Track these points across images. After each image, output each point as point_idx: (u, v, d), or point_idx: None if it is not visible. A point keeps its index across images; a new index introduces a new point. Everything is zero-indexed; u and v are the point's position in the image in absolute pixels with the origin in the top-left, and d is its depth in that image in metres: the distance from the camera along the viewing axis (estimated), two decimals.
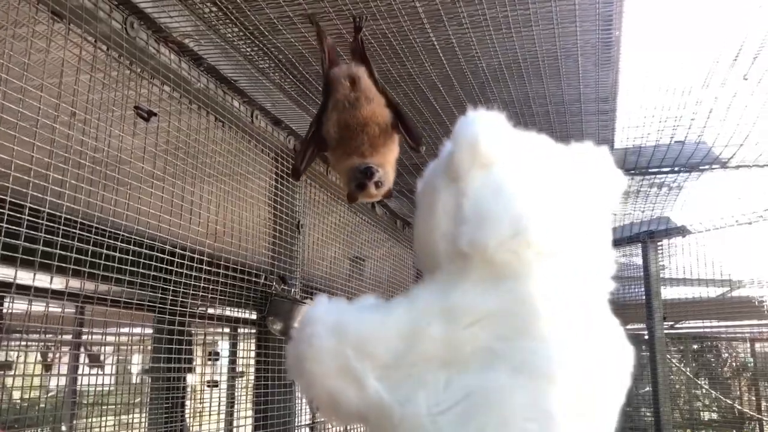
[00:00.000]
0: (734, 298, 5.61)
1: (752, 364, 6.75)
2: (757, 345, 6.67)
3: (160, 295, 2.34)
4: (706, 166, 3.82)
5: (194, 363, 3.20)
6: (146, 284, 2.22)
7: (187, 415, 3.06)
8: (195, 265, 2.42)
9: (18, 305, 2.03)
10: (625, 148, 3.57)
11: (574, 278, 1.01)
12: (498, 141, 1.04)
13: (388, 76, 2.63)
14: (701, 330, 6.54)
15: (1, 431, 2.32)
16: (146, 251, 2.18)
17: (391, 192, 1.94)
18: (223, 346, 4.00)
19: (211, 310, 2.91)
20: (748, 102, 2.96)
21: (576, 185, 1.07)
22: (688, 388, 6.35)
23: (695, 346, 6.82)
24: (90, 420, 3.24)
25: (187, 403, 3.02)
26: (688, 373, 6.32)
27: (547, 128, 3.27)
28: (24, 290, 1.82)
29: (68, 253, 1.85)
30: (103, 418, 3.18)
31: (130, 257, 2.12)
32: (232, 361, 4.06)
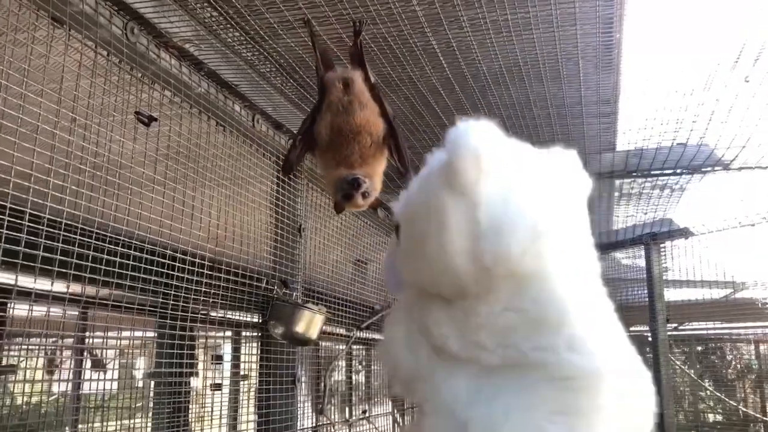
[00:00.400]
0: (738, 300, 5.58)
1: (757, 365, 6.72)
2: (762, 347, 6.63)
3: (161, 300, 2.34)
4: (709, 168, 3.81)
5: (196, 367, 3.20)
6: (147, 289, 2.22)
7: (190, 419, 3.06)
8: (196, 269, 2.42)
9: (24, 310, 2.03)
10: (627, 151, 3.56)
11: (582, 279, 1.04)
12: (496, 149, 1.03)
13: (389, 80, 2.63)
14: (705, 332, 6.52)
15: None
16: (147, 256, 2.19)
17: (378, 202, 1.93)
18: (227, 350, 3.99)
19: (214, 314, 2.91)
20: (749, 104, 2.95)
21: (559, 187, 1.07)
22: (693, 390, 6.33)
23: (699, 348, 6.79)
24: (91, 425, 3.24)
25: (190, 406, 3.02)
26: (692, 375, 6.29)
27: (549, 131, 3.27)
28: (29, 295, 1.82)
29: (82, 261, 1.86)
30: (106, 423, 3.17)
31: (132, 262, 2.12)
32: (236, 365, 4.06)
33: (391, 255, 1.25)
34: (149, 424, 3.02)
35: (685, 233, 5.04)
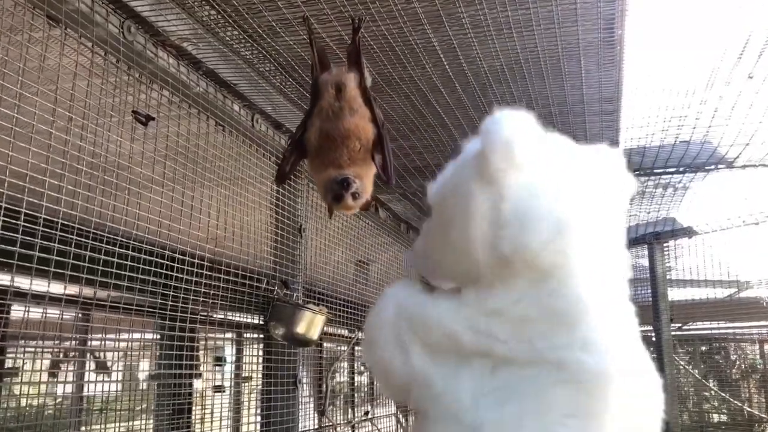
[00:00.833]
0: (742, 299, 5.57)
1: (761, 365, 6.70)
2: (766, 346, 6.62)
3: (159, 301, 2.33)
4: (712, 166, 3.79)
5: (197, 369, 3.19)
6: (146, 290, 2.21)
7: (192, 421, 3.04)
8: (196, 270, 2.40)
9: (34, 314, 2.03)
10: (630, 149, 3.54)
11: (606, 279, 1.04)
12: (530, 141, 1.02)
13: (389, 78, 2.62)
14: (709, 331, 6.50)
15: None
16: (146, 257, 2.17)
17: (370, 204, 1.90)
18: (229, 351, 3.98)
19: (214, 315, 2.90)
20: (753, 101, 2.93)
21: (597, 185, 1.07)
22: (697, 390, 6.30)
23: (703, 348, 6.77)
24: (93, 427, 3.23)
25: (193, 408, 3.01)
26: (696, 375, 6.27)
27: (551, 129, 3.25)
28: (35, 298, 1.82)
29: (90, 264, 1.85)
30: (109, 425, 3.17)
31: (131, 263, 2.11)
32: (238, 366, 4.05)
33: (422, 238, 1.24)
34: (150, 427, 3.00)
35: (688, 232, 5.02)
